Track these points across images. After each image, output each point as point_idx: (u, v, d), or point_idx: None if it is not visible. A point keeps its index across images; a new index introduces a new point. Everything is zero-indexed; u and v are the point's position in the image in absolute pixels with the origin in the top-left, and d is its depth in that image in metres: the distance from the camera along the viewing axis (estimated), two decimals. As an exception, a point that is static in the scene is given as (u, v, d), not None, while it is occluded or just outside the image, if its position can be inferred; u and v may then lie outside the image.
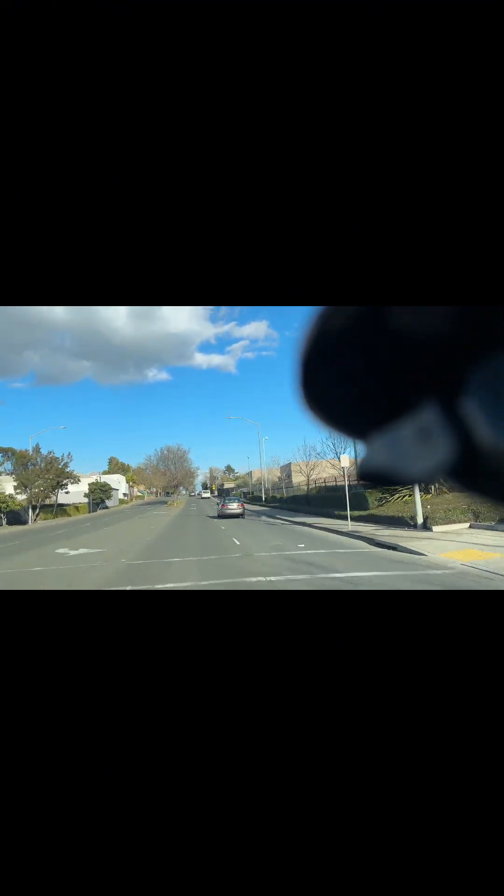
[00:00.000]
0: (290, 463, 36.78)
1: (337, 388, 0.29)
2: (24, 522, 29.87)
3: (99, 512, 42.83)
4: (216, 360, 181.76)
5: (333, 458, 26.30)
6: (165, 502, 52.23)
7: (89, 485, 43.26)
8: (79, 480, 37.26)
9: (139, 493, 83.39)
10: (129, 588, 6.50)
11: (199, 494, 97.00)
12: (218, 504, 27.10)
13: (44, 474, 30.90)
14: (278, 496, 33.57)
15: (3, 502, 28.43)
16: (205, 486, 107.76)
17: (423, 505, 12.30)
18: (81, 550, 12.02)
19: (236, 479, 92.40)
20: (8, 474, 32.57)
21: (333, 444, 25.67)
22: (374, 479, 0.29)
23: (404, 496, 15.04)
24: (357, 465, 0.30)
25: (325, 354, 0.28)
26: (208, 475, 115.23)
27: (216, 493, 78.97)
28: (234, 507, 24.09)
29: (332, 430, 0.32)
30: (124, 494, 70.39)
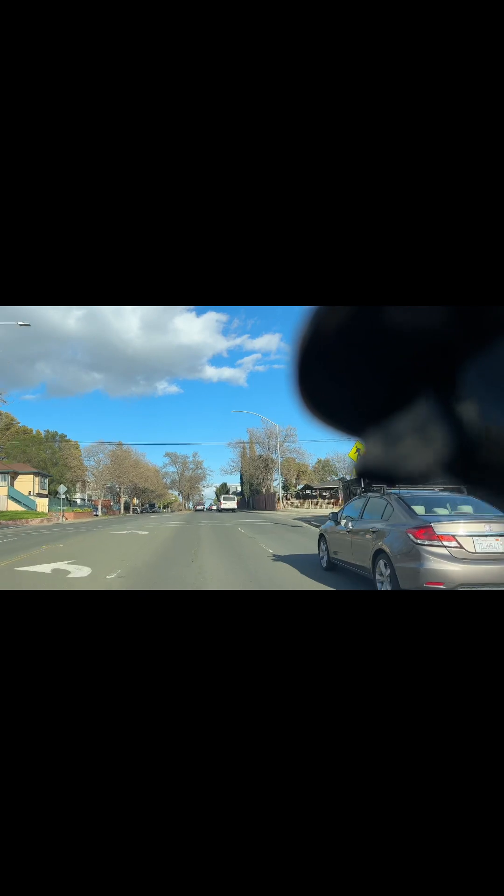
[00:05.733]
0: None
1: (333, 385, 0.29)
2: None
3: None
4: (227, 373, 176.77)
5: None
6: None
7: None
8: None
9: (65, 508, 33.85)
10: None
11: (211, 507, 58.67)
12: (335, 524, 5.74)
13: None
14: None
15: None
16: (225, 492, 65.09)
17: None
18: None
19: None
20: None
21: None
22: (372, 475, 0.29)
23: None
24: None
25: (321, 352, 0.28)
26: (239, 458, 57.22)
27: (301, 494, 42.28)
28: None
29: (330, 428, 0.31)
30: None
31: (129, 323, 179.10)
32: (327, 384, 0.29)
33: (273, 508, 35.45)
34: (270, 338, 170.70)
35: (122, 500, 54.34)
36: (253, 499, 48.96)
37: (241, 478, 59.48)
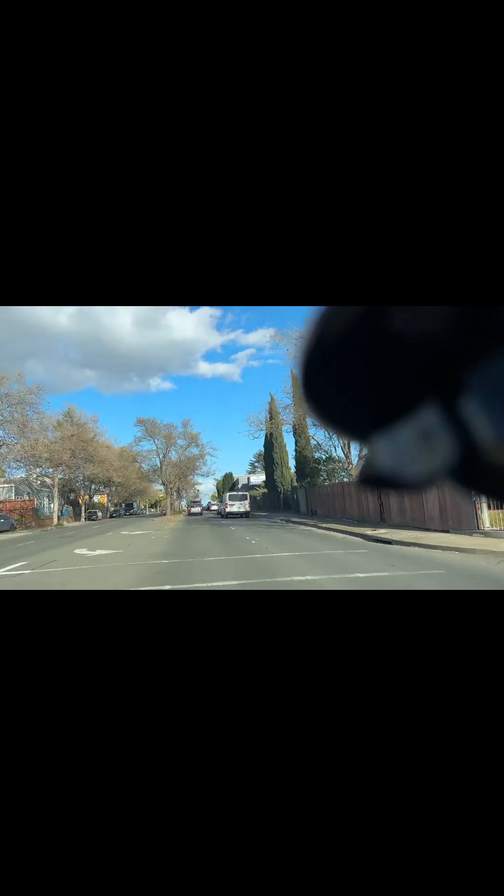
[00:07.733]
0: None
1: (338, 390, 0.29)
2: None
3: None
4: (221, 368, 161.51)
5: None
6: None
7: None
8: None
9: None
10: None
11: (210, 506, 46.07)
12: None
13: None
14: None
15: None
16: (231, 486, 50.36)
17: None
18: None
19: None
20: None
21: None
22: (375, 482, 0.29)
23: None
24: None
25: (327, 356, 0.28)
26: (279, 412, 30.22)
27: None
28: None
29: (335, 431, 0.31)
30: None
31: (121, 319, 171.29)
32: (332, 389, 0.29)
33: (470, 526, 10.79)
34: (265, 332, 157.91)
35: (82, 499, 35.10)
36: (308, 495, 24.70)
37: (265, 450, 33.81)
